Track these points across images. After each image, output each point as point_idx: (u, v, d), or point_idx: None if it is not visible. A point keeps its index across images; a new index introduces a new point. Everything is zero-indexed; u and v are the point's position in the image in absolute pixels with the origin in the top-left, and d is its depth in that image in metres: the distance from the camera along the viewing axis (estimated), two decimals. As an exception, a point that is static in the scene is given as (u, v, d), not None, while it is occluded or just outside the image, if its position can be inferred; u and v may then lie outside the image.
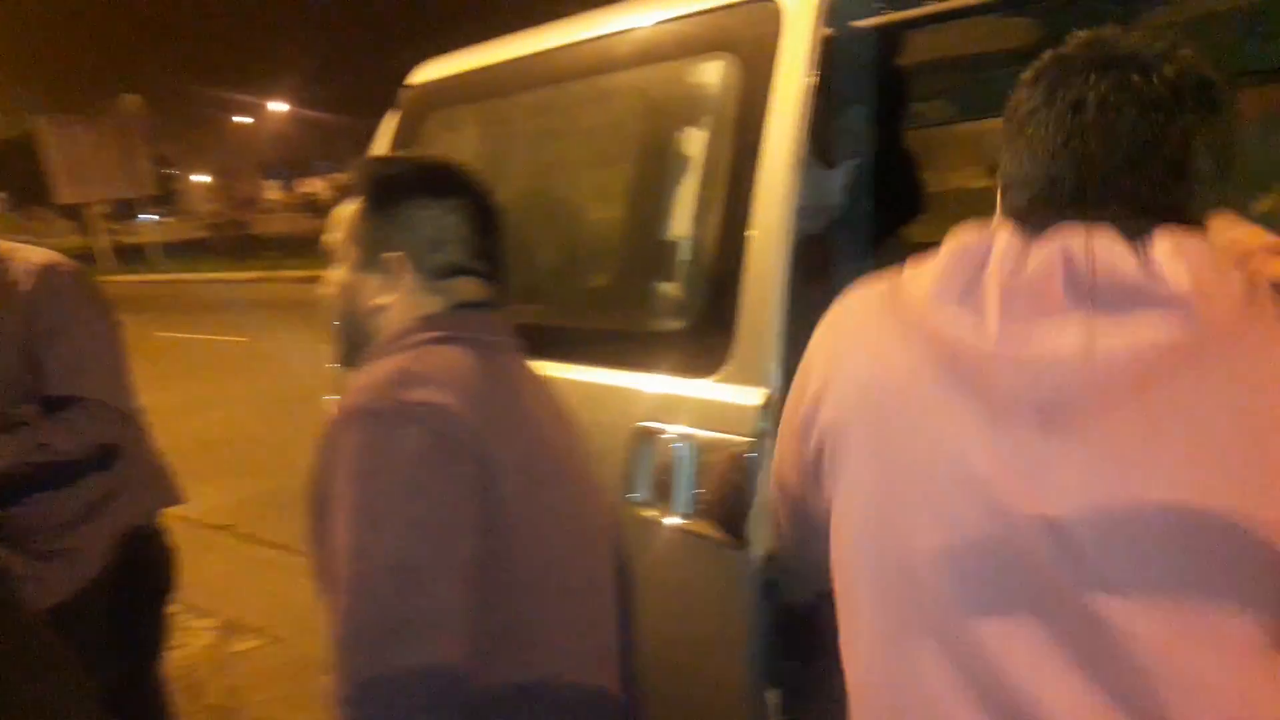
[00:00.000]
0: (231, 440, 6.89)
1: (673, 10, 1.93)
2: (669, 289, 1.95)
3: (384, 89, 2.97)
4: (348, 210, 1.31)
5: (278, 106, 52.67)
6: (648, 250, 2.05)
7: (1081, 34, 0.96)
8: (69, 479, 1.90)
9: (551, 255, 2.43)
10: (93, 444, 1.88)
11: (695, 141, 1.89)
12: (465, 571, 1.09)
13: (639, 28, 2.01)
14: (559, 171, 2.46)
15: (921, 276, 0.98)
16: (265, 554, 4.71)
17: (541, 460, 1.23)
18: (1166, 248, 0.87)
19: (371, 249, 1.29)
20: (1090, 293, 0.87)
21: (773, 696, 1.62)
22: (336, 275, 1.33)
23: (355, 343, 1.32)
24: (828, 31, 1.67)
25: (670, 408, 1.73)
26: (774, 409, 1.57)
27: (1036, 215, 0.94)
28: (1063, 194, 0.93)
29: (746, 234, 1.64)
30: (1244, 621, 0.83)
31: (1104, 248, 0.88)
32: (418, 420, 1.10)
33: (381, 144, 2.64)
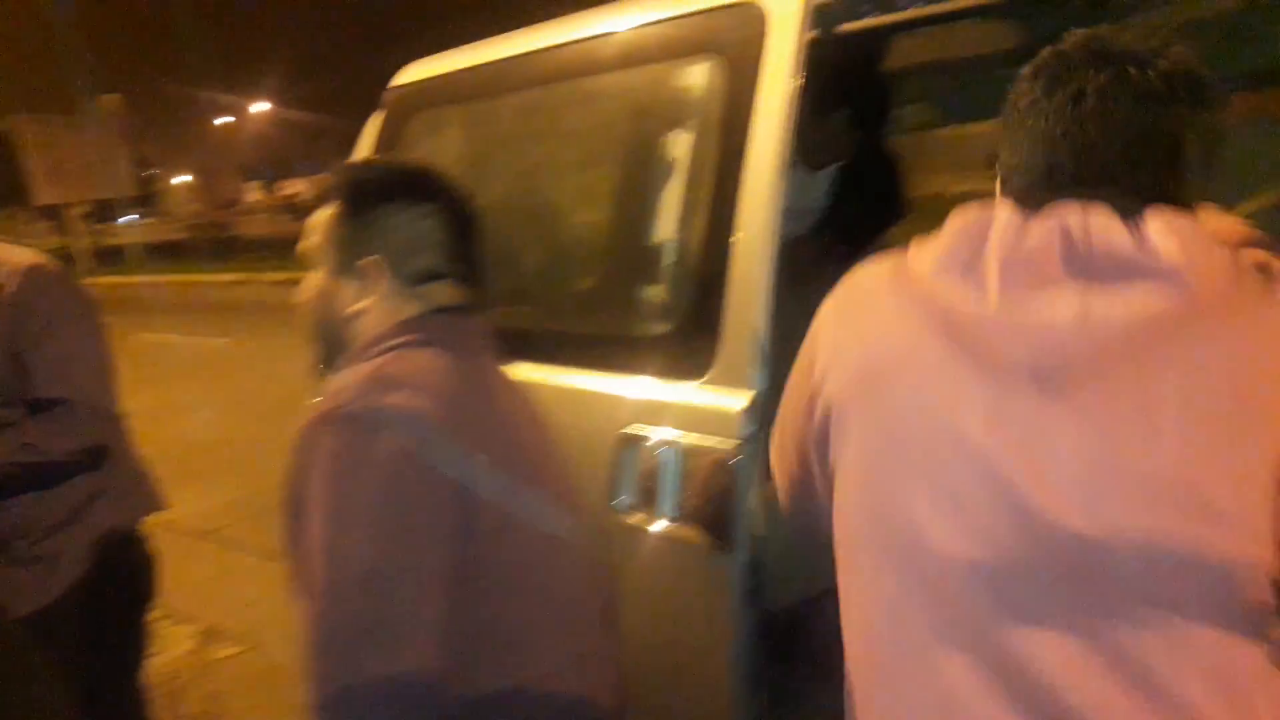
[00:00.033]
0: (212, 444, 6.83)
1: (658, 13, 1.93)
2: (654, 292, 1.94)
3: (367, 90, 2.95)
4: (324, 215, 1.31)
5: (260, 107, 52.44)
6: (633, 253, 2.04)
7: (1078, 33, 1.00)
8: (55, 481, 1.88)
9: (536, 258, 2.42)
10: (81, 446, 1.87)
11: (680, 144, 1.89)
12: (440, 577, 1.08)
13: (624, 30, 2.01)
14: (544, 174, 2.45)
15: (925, 252, 1.02)
16: (246, 560, 4.67)
17: (518, 465, 1.22)
18: (1158, 224, 0.91)
19: (348, 254, 1.28)
20: (1086, 264, 0.91)
21: (757, 702, 1.62)
22: (313, 280, 1.32)
23: (332, 348, 1.31)
24: (812, 35, 1.67)
25: (655, 412, 1.73)
26: (759, 412, 1.57)
27: (1035, 197, 0.98)
28: (1062, 179, 0.98)
29: (732, 237, 1.64)
30: (1227, 547, 0.86)
31: (1099, 223, 0.93)
32: (393, 425, 1.10)
33: (365, 145, 2.63)
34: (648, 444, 1.72)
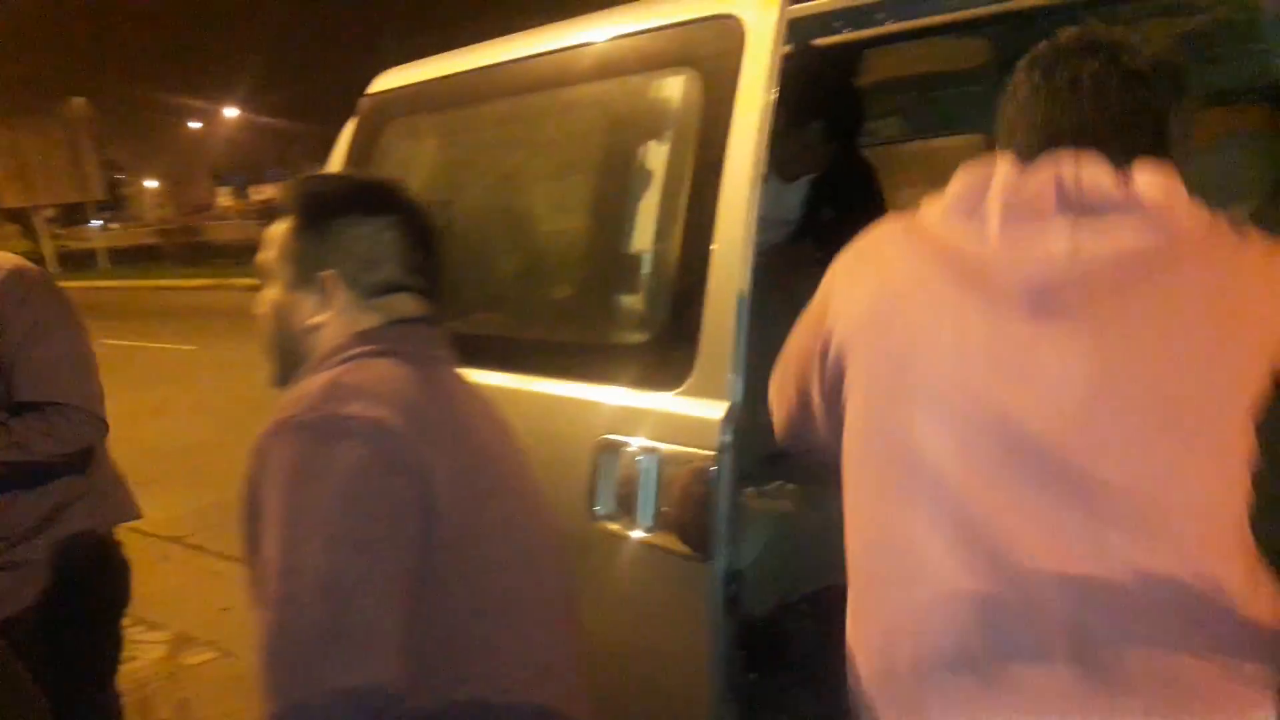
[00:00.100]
0: (181, 450, 6.77)
1: (636, 25, 1.94)
2: (632, 302, 1.96)
3: (341, 96, 2.95)
4: (280, 229, 1.29)
5: (231, 112, 52.00)
6: (611, 263, 2.05)
7: (1070, 29, 1.12)
8: (40, 481, 1.88)
9: (514, 268, 2.43)
10: (70, 448, 1.87)
11: (658, 155, 1.90)
12: (399, 588, 1.06)
13: (602, 41, 2.02)
14: (520, 183, 2.46)
15: (934, 204, 1.13)
16: (216, 566, 4.63)
17: (481, 474, 1.21)
18: (1143, 174, 1.02)
19: (305, 268, 1.27)
20: (1077, 203, 1.02)
21: (736, 709, 1.63)
22: (270, 294, 1.31)
23: (290, 362, 1.29)
24: (788, 49, 1.69)
25: (633, 421, 1.74)
26: (735, 422, 1.58)
27: (1034, 159, 1.08)
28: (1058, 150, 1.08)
29: (710, 248, 1.65)
30: (1203, 455, 0.98)
31: (1090, 169, 1.03)
32: (350, 433, 1.09)
33: (339, 152, 2.62)
34: (626, 453, 1.73)
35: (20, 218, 30.99)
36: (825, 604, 1.97)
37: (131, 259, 29.91)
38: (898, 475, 1.07)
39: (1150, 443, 0.97)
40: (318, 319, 1.26)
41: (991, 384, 1.01)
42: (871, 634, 1.09)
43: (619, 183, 2.03)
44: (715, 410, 1.60)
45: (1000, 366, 1.01)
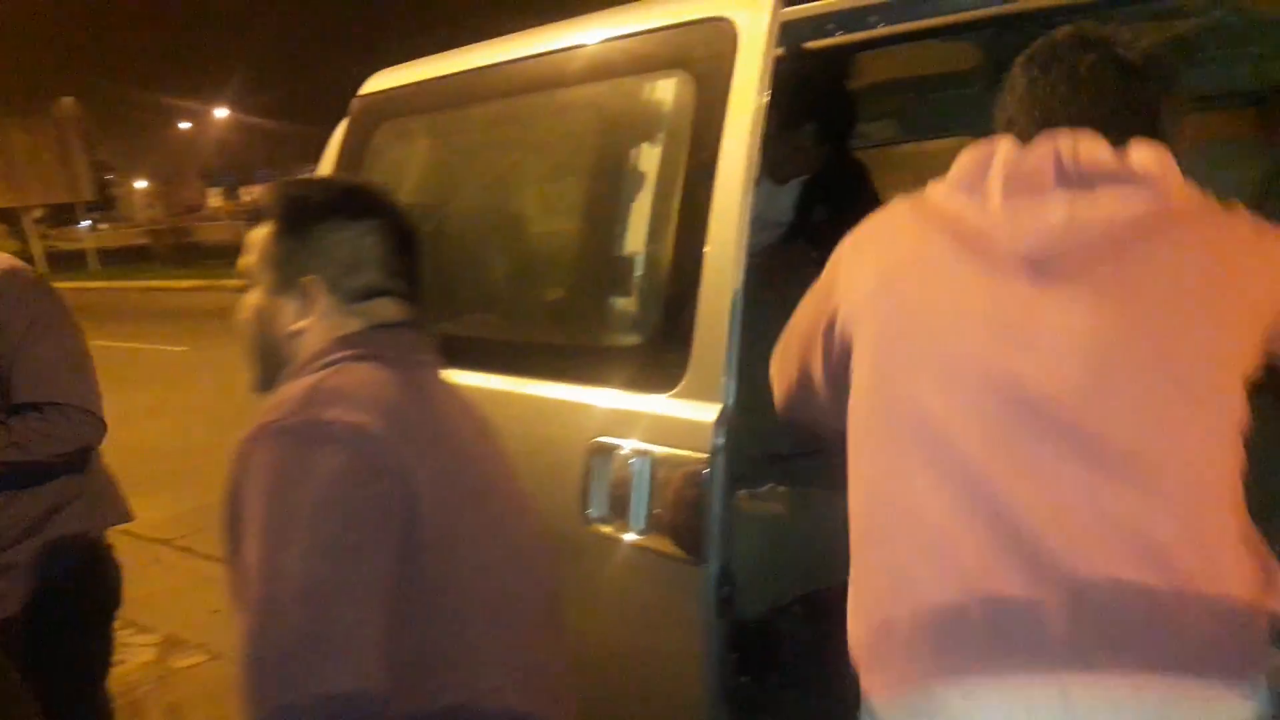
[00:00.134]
0: (171, 452, 6.74)
1: (629, 27, 1.94)
2: (625, 304, 1.96)
3: (332, 97, 2.95)
4: (261, 233, 1.29)
5: (222, 112, 51.89)
6: (604, 265, 2.05)
7: (1066, 26, 1.19)
8: (39, 481, 1.88)
9: (507, 269, 2.42)
10: (69, 448, 1.87)
11: (651, 157, 1.90)
12: (380, 594, 1.06)
13: (595, 43, 2.02)
14: (513, 185, 2.46)
15: (939, 182, 1.18)
16: (206, 568, 4.61)
17: (463, 479, 1.21)
18: (1138, 149, 1.08)
19: (286, 273, 1.26)
20: (1074, 176, 1.06)
21: (728, 711, 1.63)
22: (252, 299, 1.30)
23: (272, 367, 1.29)
24: (780, 51, 1.69)
25: (626, 423, 1.73)
26: (728, 424, 1.58)
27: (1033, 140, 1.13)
28: None
29: (703, 250, 1.65)
30: (1197, 414, 1.01)
31: (1087, 144, 1.08)
32: (331, 439, 1.08)
33: (331, 153, 2.62)
34: (619, 455, 1.73)
35: (9, 218, 30.85)
36: (818, 606, 1.97)
37: (121, 260, 29.79)
38: (899, 432, 1.10)
39: (1147, 400, 1.00)
40: (300, 324, 1.26)
41: (992, 344, 1.05)
42: (871, 589, 1.11)
43: (612, 185, 2.03)
44: (708, 413, 1.60)
45: (1001, 327, 1.05)
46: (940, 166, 1.20)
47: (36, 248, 27.63)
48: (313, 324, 1.25)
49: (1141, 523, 0.98)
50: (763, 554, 1.90)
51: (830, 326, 1.23)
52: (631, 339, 1.91)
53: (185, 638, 3.81)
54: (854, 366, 1.18)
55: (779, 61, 1.67)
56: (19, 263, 1.92)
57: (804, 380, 1.31)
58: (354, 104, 2.59)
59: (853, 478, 1.16)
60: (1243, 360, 1.04)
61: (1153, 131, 1.11)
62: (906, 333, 1.13)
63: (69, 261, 29.12)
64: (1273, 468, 1.08)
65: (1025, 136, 1.14)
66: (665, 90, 1.89)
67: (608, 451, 1.75)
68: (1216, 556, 0.99)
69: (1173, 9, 1.94)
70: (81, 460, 1.93)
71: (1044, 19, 1.73)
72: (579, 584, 1.81)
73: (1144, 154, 1.07)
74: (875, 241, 1.23)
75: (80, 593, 1.96)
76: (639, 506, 1.68)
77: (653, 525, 1.67)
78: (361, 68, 2.69)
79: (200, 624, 3.88)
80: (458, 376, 1.90)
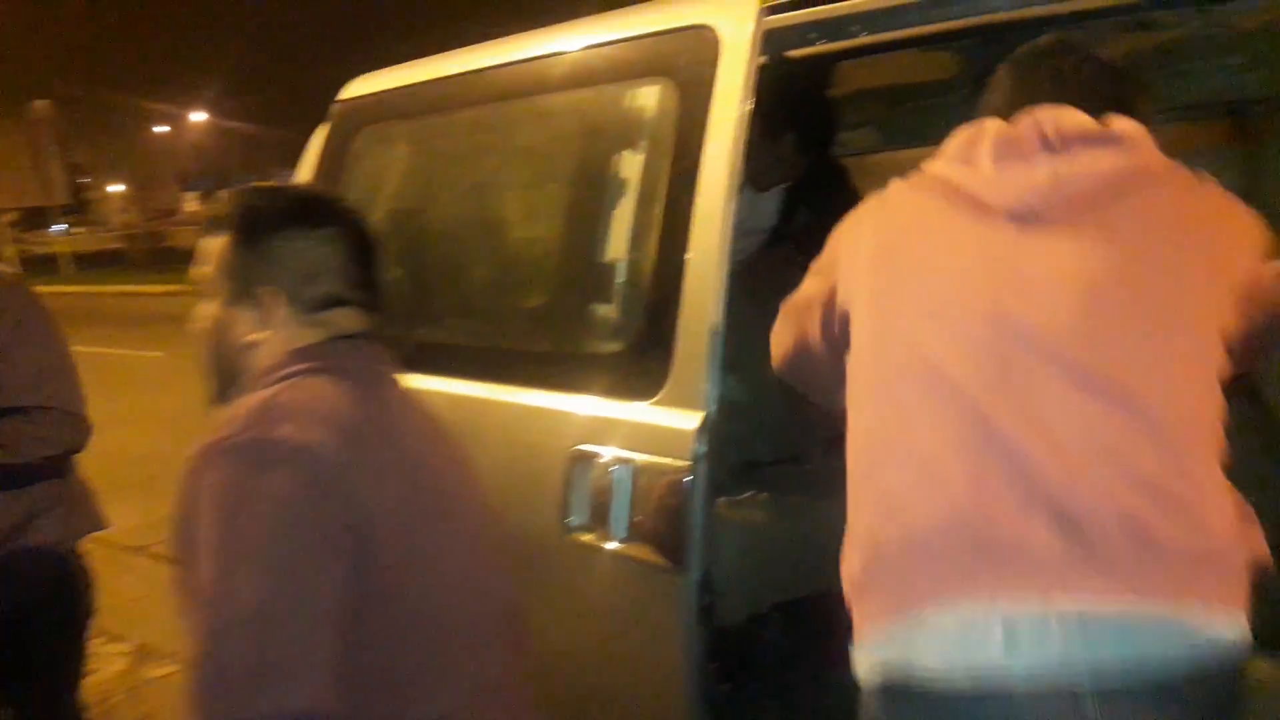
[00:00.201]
0: (146, 458, 6.67)
1: (612, 34, 1.94)
2: (606, 311, 1.95)
3: (312, 101, 2.93)
4: (217, 243, 1.26)
5: (199, 116, 51.50)
6: (586, 272, 2.04)
7: (1049, 35, 1.30)
8: (22, 483, 1.86)
9: (487, 276, 2.41)
10: (55, 450, 1.86)
11: (633, 164, 1.90)
12: (333, 615, 1.04)
13: (577, 50, 2.02)
14: (494, 191, 2.44)
15: (933, 159, 1.26)
16: (181, 576, 4.56)
17: (421, 497, 1.19)
18: (1117, 117, 1.17)
19: (243, 283, 1.24)
20: (1057, 141, 1.14)
21: (709, 719, 1.62)
22: (208, 310, 1.28)
23: (228, 379, 1.27)
24: (763, 60, 1.69)
25: (607, 431, 1.73)
26: (710, 432, 1.57)
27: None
28: None
29: (686, 257, 1.65)
30: (1177, 352, 1.07)
31: (1068, 114, 1.17)
32: (280, 460, 1.06)
33: (309, 158, 2.60)
34: (600, 463, 1.72)
35: (-19, 221, 30.52)
36: (797, 615, 1.97)
37: (96, 264, 29.51)
38: (897, 373, 1.15)
39: (1131, 335, 1.06)
40: (256, 335, 1.23)
41: (986, 285, 1.11)
42: (863, 521, 1.13)
43: (594, 191, 2.03)
44: (690, 420, 1.59)
45: (994, 270, 1.12)
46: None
47: (9, 251, 27.32)
48: (270, 335, 1.23)
49: (1129, 450, 1.02)
50: (743, 562, 1.89)
51: (831, 296, 1.28)
52: (613, 346, 1.91)
53: (158, 647, 3.77)
54: (853, 330, 1.23)
55: (762, 70, 1.67)
56: (1, 266, 1.91)
57: (804, 344, 1.37)
58: (334, 109, 2.57)
59: (851, 430, 1.19)
60: (1219, 313, 1.10)
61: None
62: (904, 283, 1.19)
63: (42, 265, 28.80)
64: (1242, 476, 1.09)
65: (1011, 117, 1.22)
66: (648, 97, 1.88)
67: (588, 459, 1.74)
68: (1200, 487, 1.03)
69: (1152, 21, 1.95)
70: (63, 465, 1.92)
71: (1026, 29, 1.74)
72: (559, 593, 1.80)
73: (1122, 120, 1.16)
74: (874, 214, 1.30)
75: (54, 602, 1.94)
76: (620, 515, 1.67)
77: (634, 534, 1.66)
78: (341, 72, 2.67)
79: (173, 633, 3.81)
80: (437, 383, 1.89)
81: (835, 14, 1.81)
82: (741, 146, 1.63)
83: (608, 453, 1.71)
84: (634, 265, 1.84)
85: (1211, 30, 2.01)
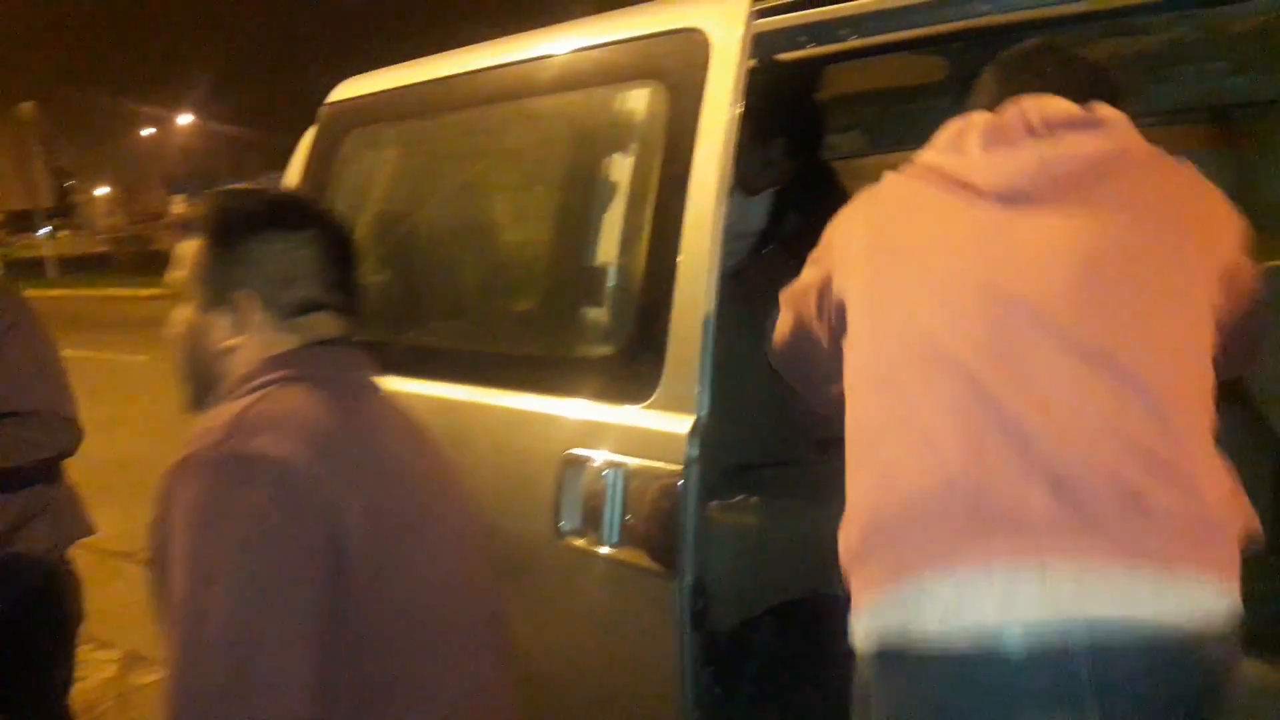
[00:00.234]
0: (133, 463, 6.61)
1: (602, 37, 1.94)
2: (598, 315, 1.95)
3: (300, 104, 2.92)
4: (192, 247, 1.25)
5: (186, 118, 51.30)
6: (576, 276, 2.04)
7: (1035, 39, 1.35)
8: (14, 488, 1.86)
9: (477, 280, 2.41)
10: (48, 454, 1.86)
11: (623, 167, 1.90)
12: (309, 630, 1.03)
13: (567, 53, 2.02)
14: (483, 194, 2.44)
15: (923, 150, 1.29)
16: (169, 582, 4.54)
17: (400, 507, 1.17)
18: (1099, 105, 1.20)
19: (219, 287, 1.22)
20: (1042, 127, 1.18)
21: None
22: (183, 315, 1.26)
23: (204, 385, 1.25)
24: (753, 63, 1.69)
25: (599, 435, 1.72)
26: (702, 435, 1.57)
27: None
28: None
29: (677, 260, 1.65)
30: (1168, 325, 1.09)
31: (1052, 101, 1.22)
32: (254, 475, 1.05)
33: (297, 161, 2.59)
34: (591, 467, 1.71)
35: (-35, 224, 30.34)
36: (790, 618, 1.97)
37: (81, 267, 29.42)
38: (894, 349, 1.16)
39: (1123, 306, 1.08)
40: (232, 341, 1.22)
41: (979, 260, 1.14)
42: (860, 493, 1.13)
43: (584, 194, 2.02)
44: (682, 424, 1.59)
45: (986, 246, 1.15)
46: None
47: (-6, 254, 27.17)
48: (246, 340, 1.21)
49: (1124, 417, 1.03)
50: (735, 566, 1.89)
51: (826, 282, 1.31)
52: (605, 350, 1.91)
53: (147, 653, 3.74)
54: (849, 313, 1.25)
55: (751, 73, 1.67)
56: None
57: (799, 332, 1.40)
58: (322, 111, 2.56)
59: (850, 408, 1.20)
60: (1208, 290, 1.12)
61: None
62: (899, 264, 1.21)
63: (27, 269, 28.66)
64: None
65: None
66: (638, 100, 1.88)
67: (580, 463, 1.73)
68: (1193, 456, 1.05)
69: (1138, 25, 1.97)
70: (54, 469, 1.91)
71: (1013, 34, 1.75)
72: (552, 598, 1.80)
73: (1105, 107, 1.20)
74: (866, 205, 1.32)
75: (43, 608, 1.93)
76: (612, 519, 1.67)
77: (626, 538, 1.66)
78: (329, 74, 2.66)
79: (161, 640, 3.82)
80: (428, 388, 1.89)
81: (825, 18, 1.81)
82: (732, 149, 1.63)
83: (599, 457, 1.71)
84: (625, 268, 1.83)
85: (1197, 34, 2.03)
